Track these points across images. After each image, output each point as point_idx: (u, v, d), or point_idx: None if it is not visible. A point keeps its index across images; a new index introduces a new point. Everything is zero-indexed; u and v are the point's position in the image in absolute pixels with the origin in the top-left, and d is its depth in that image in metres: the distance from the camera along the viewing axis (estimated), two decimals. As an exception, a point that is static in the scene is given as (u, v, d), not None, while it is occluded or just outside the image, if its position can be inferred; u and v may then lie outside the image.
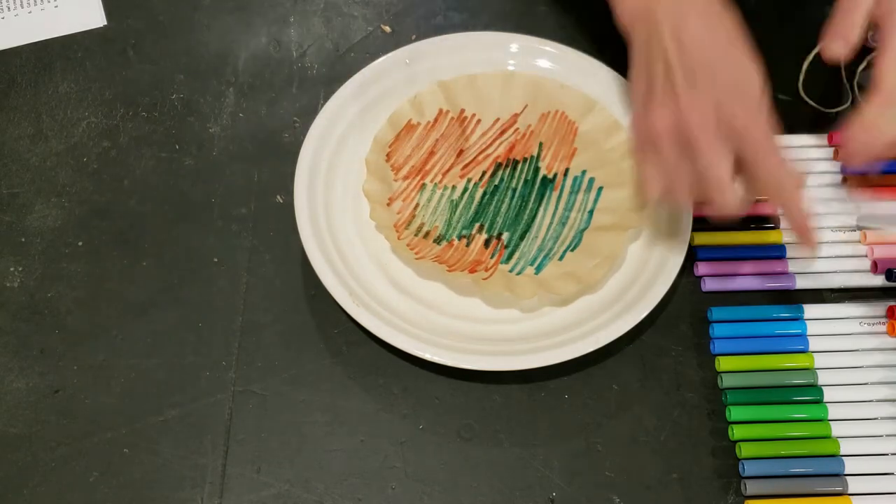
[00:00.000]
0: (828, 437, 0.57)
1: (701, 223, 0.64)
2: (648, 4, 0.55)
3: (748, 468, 0.56)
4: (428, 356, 0.57)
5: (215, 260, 0.64)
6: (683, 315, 0.62)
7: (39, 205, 0.67)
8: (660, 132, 0.53)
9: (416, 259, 0.61)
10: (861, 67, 0.71)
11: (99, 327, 0.62)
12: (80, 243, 0.65)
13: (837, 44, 0.53)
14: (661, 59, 0.53)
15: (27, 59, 0.73)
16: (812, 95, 0.71)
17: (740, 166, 0.53)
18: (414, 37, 0.74)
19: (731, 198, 0.52)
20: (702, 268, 0.63)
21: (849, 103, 0.71)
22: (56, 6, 0.76)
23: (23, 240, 0.65)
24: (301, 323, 0.62)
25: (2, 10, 0.76)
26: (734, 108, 0.51)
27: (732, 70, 0.52)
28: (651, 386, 0.60)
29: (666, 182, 0.55)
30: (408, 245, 0.62)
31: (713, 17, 0.53)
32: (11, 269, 0.64)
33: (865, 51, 0.72)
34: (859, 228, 0.64)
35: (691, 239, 0.64)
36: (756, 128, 0.51)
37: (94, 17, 0.76)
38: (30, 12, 0.76)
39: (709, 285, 0.63)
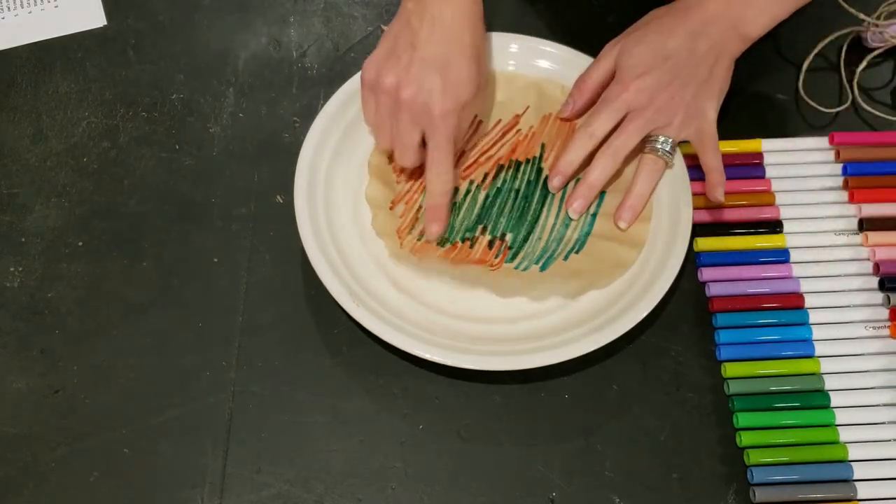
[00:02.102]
0: (836, 442, 0.57)
1: (704, 229, 0.64)
2: None
3: (757, 475, 0.56)
4: (428, 356, 0.57)
5: (215, 260, 0.64)
6: (684, 316, 0.62)
7: (39, 205, 0.67)
8: (386, 88, 0.59)
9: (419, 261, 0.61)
10: (861, 67, 0.71)
11: (99, 327, 0.62)
12: (80, 243, 0.65)
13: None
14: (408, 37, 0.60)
15: (27, 59, 0.73)
16: (812, 95, 0.71)
17: None
18: (414, 37, 0.74)
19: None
20: (706, 273, 0.63)
21: (849, 103, 0.71)
22: (56, 6, 0.76)
23: (23, 240, 0.65)
24: (301, 323, 0.62)
25: (2, 10, 0.76)
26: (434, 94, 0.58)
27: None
28: (651, 386, 0.60)
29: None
30: (411, 250, 0.62)
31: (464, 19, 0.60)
32: (11, 269, 0.64)
33: (865, 51, 0.73)
34: None
35: (695, 245, 0.64)
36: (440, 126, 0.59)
37: (94, 17, 0.76)
38: (30, 12, 0.76)
39: (713, 290, 0.63)
